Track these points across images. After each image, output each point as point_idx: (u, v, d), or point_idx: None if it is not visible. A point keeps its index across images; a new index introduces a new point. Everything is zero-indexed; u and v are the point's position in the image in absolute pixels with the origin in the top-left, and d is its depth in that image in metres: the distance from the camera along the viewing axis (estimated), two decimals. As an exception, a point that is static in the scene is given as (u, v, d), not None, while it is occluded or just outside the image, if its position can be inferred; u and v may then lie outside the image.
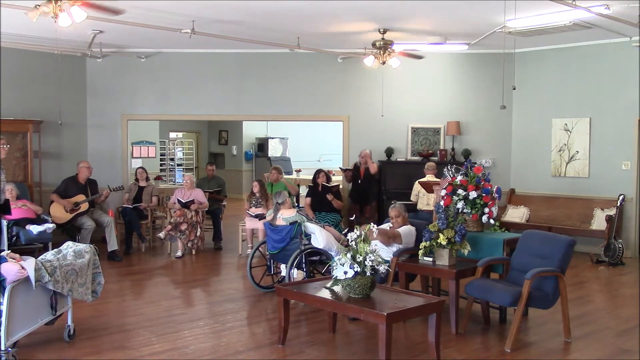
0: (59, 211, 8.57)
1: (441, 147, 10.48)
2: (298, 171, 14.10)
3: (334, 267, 4.70)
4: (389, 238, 6.05)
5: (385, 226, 6.44)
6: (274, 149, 17.80)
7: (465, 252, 5.65)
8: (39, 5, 5.99)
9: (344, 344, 5.25)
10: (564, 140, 9.86)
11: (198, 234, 9.12)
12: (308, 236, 6.53)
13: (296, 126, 16.86)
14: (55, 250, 5.24)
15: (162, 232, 9.03)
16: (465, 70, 10.52)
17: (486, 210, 6.01)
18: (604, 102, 9.46)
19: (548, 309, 5.33)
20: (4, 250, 6.15)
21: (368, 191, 9.61)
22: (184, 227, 9.02)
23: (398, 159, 10.46)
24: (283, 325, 5.05)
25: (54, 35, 7.85)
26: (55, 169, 9.78)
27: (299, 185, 11.88)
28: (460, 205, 6.00)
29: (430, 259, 5.75)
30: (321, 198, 9.18)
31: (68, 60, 9.83)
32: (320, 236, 6.50)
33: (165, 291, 7.28)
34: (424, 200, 8.83)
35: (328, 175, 9.62)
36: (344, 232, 6.02)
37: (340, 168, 10.50)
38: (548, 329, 5.61)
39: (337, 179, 10.97)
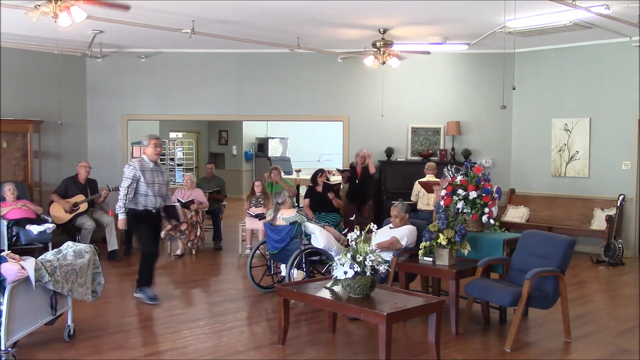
0: (59, 211, 8.57)
1: (441, 147, 10.48)
2: (298, 171, 14.09)
3: (334, 267, 4.70)
4: (386, 248, 6.03)
5: (386, 227, 6.45)
6: (274, 149, 17.80)
7: (465, 252, 5.65)
8: (39, 5, 5.99)
9: (344, 344, 5.25)
10: (564, 140, 9.86)
11: (198, 234, 9.12)
12: (308, 236, 6.53)
13: (296, 126, 16.86)
14: (55, 250, 5.24)
15: (162, 232, 9.00)
16: (465, 70, 10.52)
17: (486, 210, 6.01)
18: (604, 102, 9.46)
19: (548, 309, 5.33)
20: (4, 250, 6.16)
21: (365, 191, 9.61)
22: (184, 227, 8.97)
23: (398, 159, 10.46)
24: (283, 325, 5.05)
25: (54, 35, 7.86)
26: (55, 169, 9.78)
27: (298, 186, 11.87)
28: (460, 205, 6.00)
29: (430, 259, 5.75)
30: (321, 198, 9.17)
31: (68, 60, 9.83)
32: (320, 236, 6.50)
33: (165, 291, 7.27)
34: (424, 200, 8.83)
35: (327, 176, 9.62)
36: (343, 232, 6.03)
37: (337, 169, 10.49)
38: (548, 329, 5.61)
39: (336, 179, 10.97)
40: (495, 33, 8.55)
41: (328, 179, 9.58)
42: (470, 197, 5.98)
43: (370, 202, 9.68)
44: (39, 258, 4.91)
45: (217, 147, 18.73)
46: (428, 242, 5.68)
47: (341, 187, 9.98)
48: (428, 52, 9.36)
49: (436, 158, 10.22)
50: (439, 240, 5.58)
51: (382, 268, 4.68)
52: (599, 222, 9.11)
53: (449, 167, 6.36)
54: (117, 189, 9.13)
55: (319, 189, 9.25)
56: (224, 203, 10.30)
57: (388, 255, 5.95)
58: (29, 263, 4.67)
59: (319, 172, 9.41)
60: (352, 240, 4.69)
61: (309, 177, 11.99)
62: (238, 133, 17.89)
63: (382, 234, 6.26)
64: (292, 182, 11.38)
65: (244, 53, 10.42)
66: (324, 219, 8.79)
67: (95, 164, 9.51)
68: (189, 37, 8.29)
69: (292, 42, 9.13)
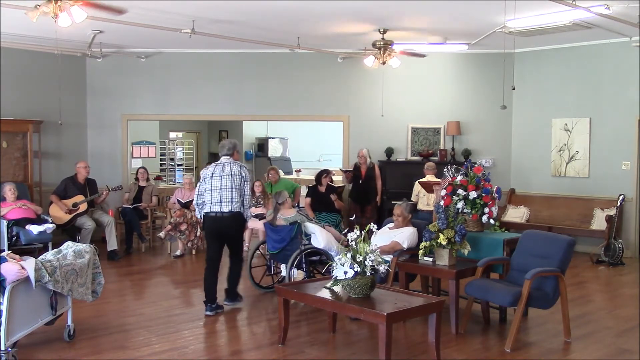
0: (59, 211, 8.57)
1: (441, 147, 10.48)
2: (298, 171, 14.08)
3: (334, 267, 4.70)
4: (387, 252, 6.01)
5: (385, 227, 6.44)
6: (274, 149, 17.78)
7: (465, 252, 5.65)
8: (39, 5, 5.99)
9: (344, 344, 5.25)
10: (564, 140, 9.86)
11: (198, 234, 9.12)
12: (308, 236, 6.53)
13: (296, 126, 16.84)
14: (55, 250, 5.24)
15: (162, 232, 9.04)
16: (465, 70, 10.52)
17: (486, 210, 6.01)
18: (604, 102, 9.46)
19: (548, 309, 5.33)
20: (4, 250, 6.16)
21: (368, 191, 9.61)
22: (183, 227, 9.02)
23: (398, 159, 10.45)
24: (283, 325, 5.05)
25: (54, 35, 7.85)
26: (55, 169, 9.78)
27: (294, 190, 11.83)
28: (460, 205, 5.99)
29: (430, 259, 5.75)
30: (323, 198, 9.16)
31: (68, 60, 9.83)
32: (320, 236, 6.50)
33: (165, 291, 7.28)
34: (424, 200, 8.82)
35: (332, 178, 9.62)
36: (344, 232, 6.02)
37: (340, 169, 10.50)
38: (548, 329, 5.61)
39: (337, 179, 10.96)
40: (495, 33, 8.55)
41: (332, 181, 9.57)
42: (470, 197, 5.98)
43: (374, 203, 9.68)
44: (39, 258, 4.91)
45: (217, 147, 18.64)
46: (428, 242, 5.68)
47: (344, 189, 9.97)
48: (423, 55, 9.27)
49: (436, 158, 10.22)
50: (439, 240, 5.57)
51: (382, 268, 4.68)
52: (599, 222, 9.11)
53: (449, 167, 6.36)
54: (116, 189, 9.21)
55: (322, 189, 9.24)
56: (224, 203, 10.28)
57: (388, 256, 5.95)
58: (29, 263, 4.67)
59: (324, 173, 9.38)
60: (352, 240, 4.69)
61: (309, 177, 12.00)
62: (238, 133, 17.84)
63: (382, 235, 6.25)
64: (293, 182, 11.34)
65: (244, 53, 10.42)
66: (325, 219, 8.79)
67: (95, 164, 9.51)
68: (189, 37, 8.29)
69: (292, 42, 9.13)
